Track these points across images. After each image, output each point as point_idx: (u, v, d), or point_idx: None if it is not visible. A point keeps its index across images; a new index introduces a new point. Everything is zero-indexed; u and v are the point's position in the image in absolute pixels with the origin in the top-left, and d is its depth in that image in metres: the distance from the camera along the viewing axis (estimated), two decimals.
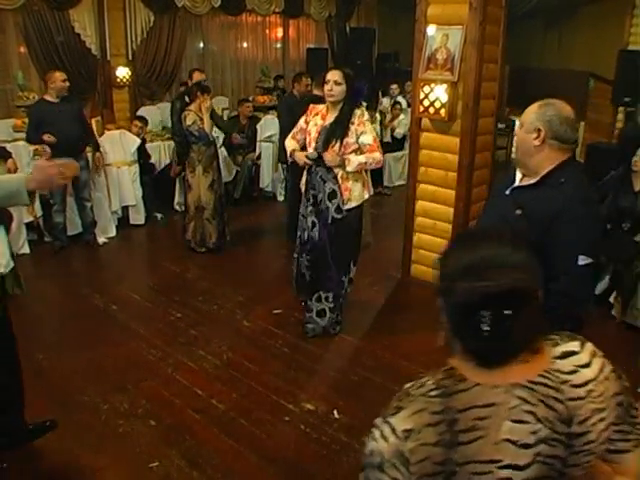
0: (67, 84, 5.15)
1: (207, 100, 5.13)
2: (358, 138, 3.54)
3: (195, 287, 4.64)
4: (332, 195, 3.59)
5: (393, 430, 0.99)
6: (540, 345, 1.03)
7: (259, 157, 7.18)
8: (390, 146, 7.79)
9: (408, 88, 7.97)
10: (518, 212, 2.00)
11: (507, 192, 2.10)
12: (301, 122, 3.74)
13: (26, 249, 5.28)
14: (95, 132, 5.67)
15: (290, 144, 3.76)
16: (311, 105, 3.73)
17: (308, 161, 3.59)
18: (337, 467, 2.70)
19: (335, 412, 3.08)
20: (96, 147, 5.55)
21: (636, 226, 4.18)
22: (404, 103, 8.02)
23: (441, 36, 4.26)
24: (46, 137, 4.96)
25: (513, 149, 9.92)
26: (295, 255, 3.95)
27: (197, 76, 5.69)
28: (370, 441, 1.02)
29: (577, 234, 1.87)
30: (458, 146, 4.37)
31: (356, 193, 3.62)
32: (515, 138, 2.11)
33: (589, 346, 1.08)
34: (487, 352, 0.98)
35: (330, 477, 2.65)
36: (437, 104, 4.33)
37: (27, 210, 5.37)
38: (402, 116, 7.70)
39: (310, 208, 3.70)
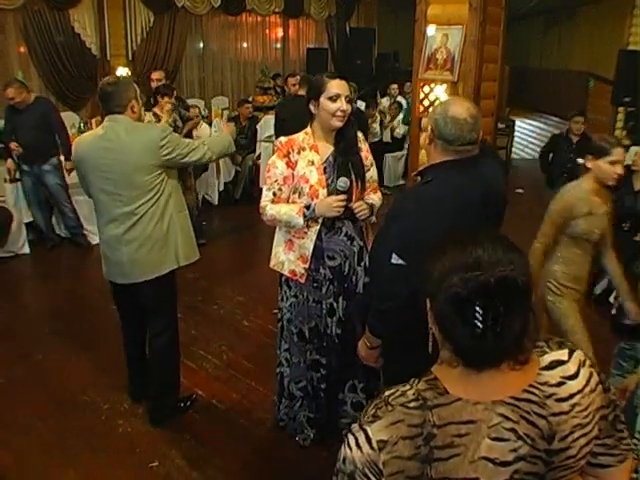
0: (15, 100, 4.94)
1: (167, 103, 5.08)
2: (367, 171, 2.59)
3: (195, 287, 4.63)
4: (360, 255, 2.55)
5: (368, 439, 0.95)
6: (529, 355, 0.99)
7: (259, 157, 7.18)
8: (390, 146, 7.80)
9: (408, 89, 7.98)
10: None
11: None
12: (279, 169, 2.41)
13: (26, 249, 5.28)
14: (70, 138, 5.32)
15: (283, 209, 2.41)
16: (283, 140, 2.46)
17: (341, 203, 2.37)
18: None
19: None
20: (67, 153, 5.11)
21: (636, 226, 4.19)
22: (404, 103, 8.03)
23: (441, 36, 4.26)
24: (12, 145, 5.03)
25: (513, 149, 9.96)
26: (298, 382, 2.69)
27: (292, 81, 5.85)
28: (345, 447, 0.99)
29: (397, 231, 1.80)
30: None
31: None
32: None
33: (578, 354, 1.04)
34: (479, 350, 0.94)
35: (330, 478, 2.64)
36: (437, 104, 4.33)
37: (27, 210, 5.38)
38: (402, 116, 7.70)
39: (326, 288, 2.52)
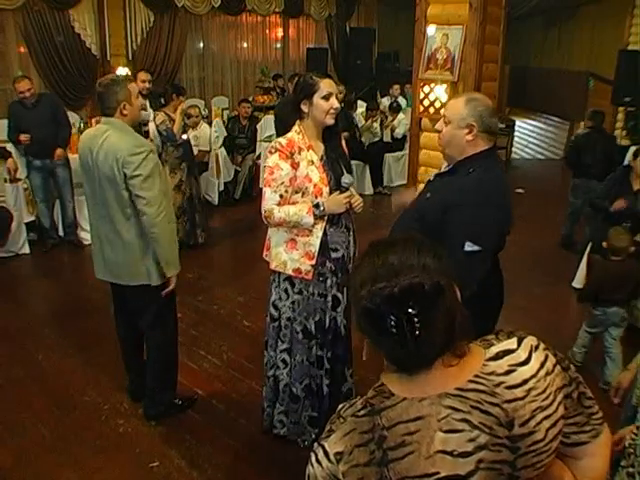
0: (28, 94, 5.02)
1: (183, 102, 5.21)
2: None
3: (195, 287, 4.64)
4: (354, 242, 2.67)
5: (326, 454, 0.98)
6: (466, 348, 0.99)
7: (259, 157, 7.18)
8: (390, 146, 7.80)
9: (408, 91, 7.98)
10: (427, 195, 2.11)
11: (430, 178, 2.22)
12: (285, 171, 2.41)
13: (26, 249, 5.28)
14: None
15: (292, 210, 2.42)
16: (283, 141, 2.45)
17: (349, 199, 2.49)
18: None
19: None
20: (65, 146, 5.33)
21: (636, 226, 4.19)
22: (403, 103, 8.03)
23: (441, 36, 4.27)
24: (22, 137, 5.07)
25: (513, 149, 9.96)
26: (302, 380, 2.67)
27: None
28: (308, 465, 1.02)
29: (464, 220, 1.91)
30: None
31: None
32: (442, 135, 2.09)
33: (528, 341, 1.03)
34: (404, 356, 0.96)
35: None
36: (437, 104, 4.34)
37: (27, 210, 5.38)
38: (402, 116, 7.70)
39: (330, 280, 2.57)
